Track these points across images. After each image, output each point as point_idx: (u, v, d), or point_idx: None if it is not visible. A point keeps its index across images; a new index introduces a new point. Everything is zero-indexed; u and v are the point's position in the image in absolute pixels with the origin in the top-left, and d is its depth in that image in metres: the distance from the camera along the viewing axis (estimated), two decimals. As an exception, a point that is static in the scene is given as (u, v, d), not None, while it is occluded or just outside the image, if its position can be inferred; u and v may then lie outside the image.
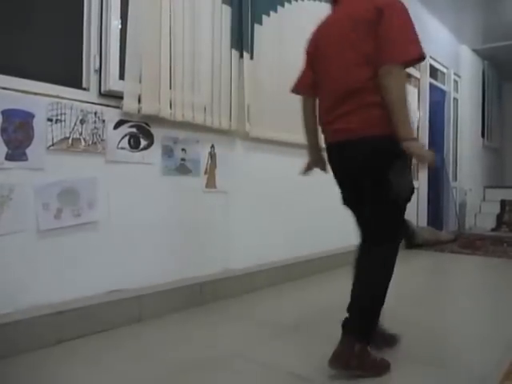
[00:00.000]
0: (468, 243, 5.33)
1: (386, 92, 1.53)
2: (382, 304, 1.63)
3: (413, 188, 1.66)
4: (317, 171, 1.98)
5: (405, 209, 1.69)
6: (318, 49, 1.80)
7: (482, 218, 6.88)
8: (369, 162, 1.62)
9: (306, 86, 1.88)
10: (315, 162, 1.96)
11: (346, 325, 1.61)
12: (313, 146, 1.95)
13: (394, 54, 1.53)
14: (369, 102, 1.59)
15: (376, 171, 1.61)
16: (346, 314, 1.63)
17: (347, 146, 1.66)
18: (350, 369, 1.55)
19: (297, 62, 1.96)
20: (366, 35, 1.59)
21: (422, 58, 1.57)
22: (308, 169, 1.97)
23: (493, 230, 6.61)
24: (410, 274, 3.56)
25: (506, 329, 2.16)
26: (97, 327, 1.93)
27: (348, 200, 1.82)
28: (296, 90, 1.93)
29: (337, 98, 1.68)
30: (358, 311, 1.62)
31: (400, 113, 1.52)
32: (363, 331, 1.59)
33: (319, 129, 1.87)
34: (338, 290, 1.81)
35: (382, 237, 1.65)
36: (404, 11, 1.59)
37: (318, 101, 1.85)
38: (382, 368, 1.62)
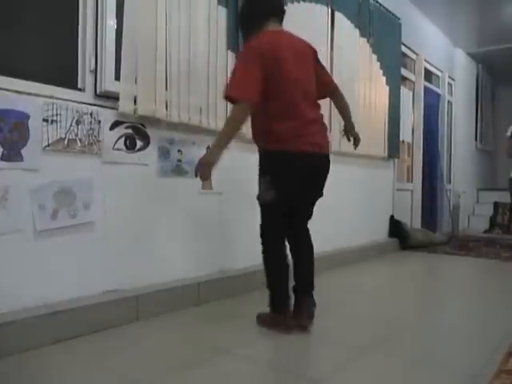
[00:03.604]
0: (461, 245, 5.37)
1: None
2: (275, 281, 2.06)
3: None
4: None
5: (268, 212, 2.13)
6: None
7: (476, 219, 6.94)
8: None
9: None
10: None
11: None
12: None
13: None
14: None
15: None
16: None
17: None
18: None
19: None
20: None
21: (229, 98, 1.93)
22: None
23: (486, 231, 6.67)
24: (403, 275, 3.57)
25: (496, 328, 2.18)
26: (94, 327, 1.93)
27: None
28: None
29: None
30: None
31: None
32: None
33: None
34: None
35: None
36: (240, 56, 2.02)
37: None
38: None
